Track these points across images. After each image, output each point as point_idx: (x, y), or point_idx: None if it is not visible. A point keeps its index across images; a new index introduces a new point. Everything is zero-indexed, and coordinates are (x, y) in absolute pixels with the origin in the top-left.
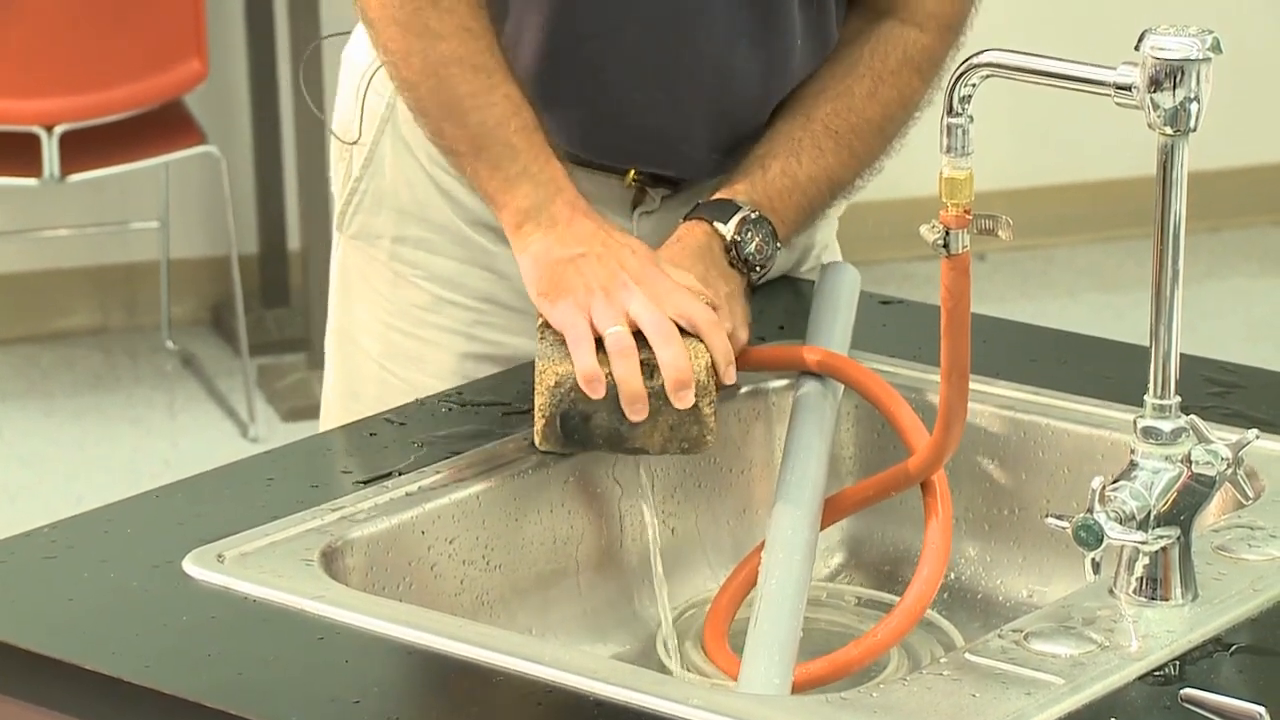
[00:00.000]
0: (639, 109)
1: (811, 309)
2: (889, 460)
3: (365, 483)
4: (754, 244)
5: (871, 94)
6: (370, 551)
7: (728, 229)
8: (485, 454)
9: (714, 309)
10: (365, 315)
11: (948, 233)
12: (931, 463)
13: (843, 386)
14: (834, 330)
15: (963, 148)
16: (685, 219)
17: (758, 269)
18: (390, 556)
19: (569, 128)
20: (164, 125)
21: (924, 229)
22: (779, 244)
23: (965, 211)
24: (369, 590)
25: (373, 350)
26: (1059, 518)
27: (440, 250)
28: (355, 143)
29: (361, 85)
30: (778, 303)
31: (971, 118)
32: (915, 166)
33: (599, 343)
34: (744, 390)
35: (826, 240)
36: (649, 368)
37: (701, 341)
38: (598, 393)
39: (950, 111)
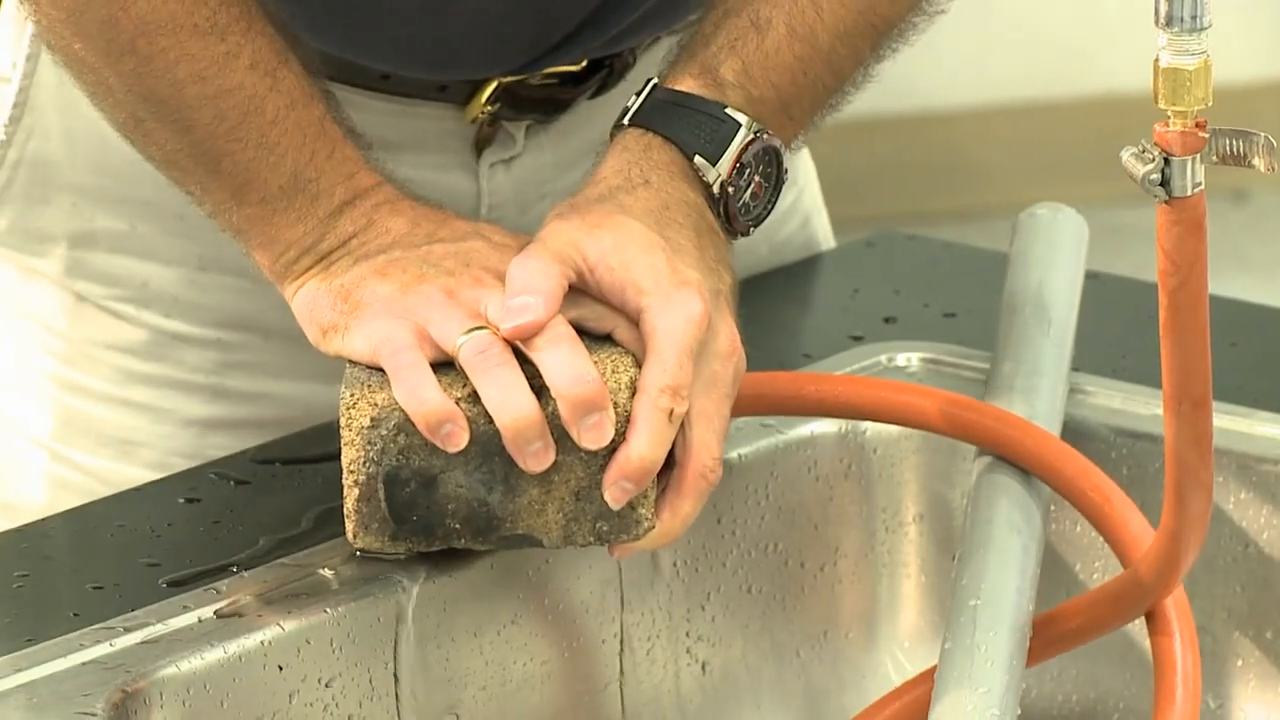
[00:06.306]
0: None
1: (1003, 302)
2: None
3: (180, 584)
4: (749, 189)
5: None
6: (192, 699)
7: (718, 170)
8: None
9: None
10: (25, 371)
11: (1167, 161)
12: (1165, 561)
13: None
14: (1034, 360)
15: (1194, 18)
16: (619, 133)
17: (749, 229)
18: (226, 708)
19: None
20: None
21: (1127, 155)
22: (785, 170)
23: (1198, 125)
24: None
25: (38, 429)
26: None
27: (155, 250)
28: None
29: None
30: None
31: None
32: (1107, 48)
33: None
34: (822, 429)
35: (809, 204)
36: (536, 389)
37: (621, 353)
38: (455, 442)
39: None
